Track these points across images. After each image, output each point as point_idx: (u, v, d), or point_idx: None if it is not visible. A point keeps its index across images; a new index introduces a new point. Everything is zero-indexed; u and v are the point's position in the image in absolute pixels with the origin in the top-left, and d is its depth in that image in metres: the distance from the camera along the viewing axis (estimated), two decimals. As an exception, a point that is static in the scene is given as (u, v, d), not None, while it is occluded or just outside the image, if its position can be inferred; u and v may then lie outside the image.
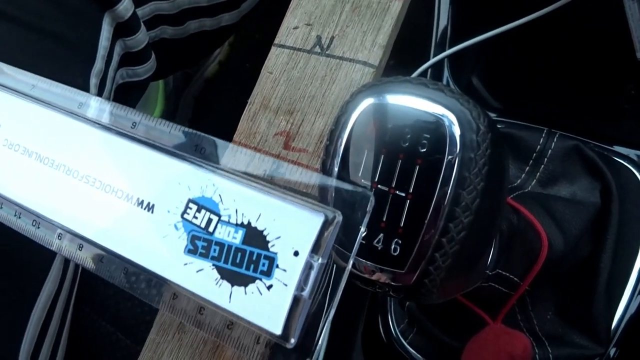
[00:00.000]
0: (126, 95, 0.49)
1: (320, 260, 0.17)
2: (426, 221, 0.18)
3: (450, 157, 0.18)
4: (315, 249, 0.17)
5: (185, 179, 0.20)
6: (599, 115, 0.53)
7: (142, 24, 0.46)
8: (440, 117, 0.18)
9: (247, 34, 0.92)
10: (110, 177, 0.21)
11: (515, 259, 0.31)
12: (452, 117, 0.18)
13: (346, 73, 0.26)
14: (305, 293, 0.17)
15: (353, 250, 0.18)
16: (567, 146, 0.38)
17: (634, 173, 0.40)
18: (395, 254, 0.18)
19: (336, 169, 0.19)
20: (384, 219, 0.18)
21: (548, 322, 0.36)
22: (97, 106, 0.23)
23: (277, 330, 0.17)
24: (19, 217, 0.23)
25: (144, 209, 0.20)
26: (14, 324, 0.35)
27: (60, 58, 0.39)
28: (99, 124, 0.23)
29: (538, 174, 0.38)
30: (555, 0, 0.46)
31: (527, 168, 0.38)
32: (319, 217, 0.17)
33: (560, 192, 0.37)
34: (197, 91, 1.03)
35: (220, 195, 0.19)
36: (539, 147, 0.38)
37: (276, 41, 0.28)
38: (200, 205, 0.19)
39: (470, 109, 0.18)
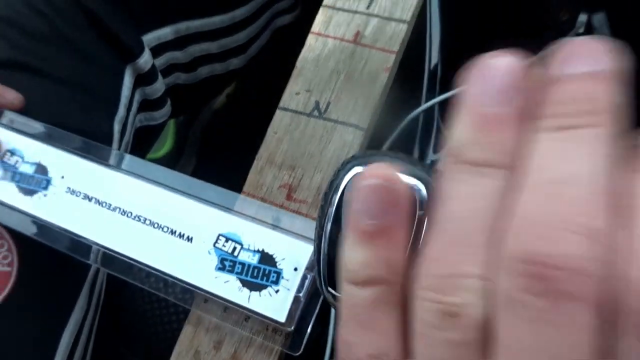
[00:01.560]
0: (144, 137, 0.54)
1: (311, 274, 0.26)
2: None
3: (420, 214, 0.22)
4: (309, 266, 0.26)
5: (217, 220, 0.28)
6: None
7: (159, 74, 0.51)
8: (413, 184, 0.22)
9: (254, 69, 0.97)
10: (158, 217, 0.29)
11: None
12: (421, 185, 0.22)
13: (340, 135, 0.30)
14: (302, 295, 0.26)
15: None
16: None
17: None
18: None
19: (329, 226, 0.24)
20: None
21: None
22: (143, 164, 0.30)
23: (282, 319, 0.26)
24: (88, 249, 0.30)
25: (185, 240, 0.28)
26: (44, 348, 0.39)
27: (88, 107, 0.43)
28: (144, 177, 0.30)
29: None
30: (542, 46, 0.51)
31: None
32: (310, 247, 0.26)
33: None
34: (206, 122, 1.08)
35: (242, 232, 0.28)
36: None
37: (280, 105, 0.32)
38: (228, 237, 0.28)
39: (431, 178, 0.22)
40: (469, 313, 0.13)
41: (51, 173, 0.31)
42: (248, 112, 1.11)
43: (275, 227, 0.27)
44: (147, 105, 0.52)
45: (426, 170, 0.22)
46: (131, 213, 0.29)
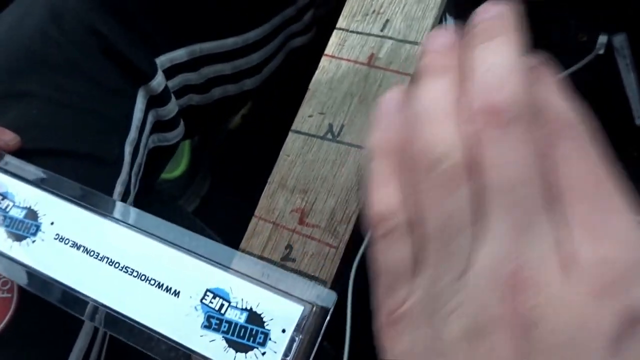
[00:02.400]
0: (157, 158, 0.54)
1: (299, 337, 0.25)
2: None
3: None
4: (297, 328, 0.25)
5: (205, 275, 0.27)
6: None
7: (172, 95, 0.51)
8: None
9: (268, 90, 0.98)
10: (146, 269, 0.28)
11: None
12: None
13: (354, 158, 0.30)
14: (289, 359, 0.25)
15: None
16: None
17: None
18: None
19: None
20: None
21: None
22: (134, 213, 0.29)
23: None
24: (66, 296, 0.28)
25: (172, 294, 0.27)
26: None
27: (99, 132, 0.43)
28: (136, 227, 0.28)
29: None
30: (560, 68, 0.50)
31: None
32: (299, 308, 0.25)
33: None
34: (221, 143, 1.08)
35: (230, 288, 0.26)
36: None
37: (293, 127, 0.32)
38: (215, 293, 0.26)
39: None
40: (452, 154, 0.20)
41: (41, 219, 0.30)
42: (263, 132, 1.11)
43: (265, 284, 0.26)
44: (161, 126, 0.52)
45: None
46: (119, 263, 0.28)
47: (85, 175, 0.42)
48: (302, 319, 0.25)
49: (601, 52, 0.51)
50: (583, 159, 0.19)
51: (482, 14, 0.22)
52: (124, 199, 0.46)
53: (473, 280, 0.19)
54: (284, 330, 0.25)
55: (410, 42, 0.31)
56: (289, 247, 0.30)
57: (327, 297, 0.25)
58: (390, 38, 0.31)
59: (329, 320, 0.25)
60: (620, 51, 0.50)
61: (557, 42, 0.56)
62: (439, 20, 0.55)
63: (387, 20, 0.32)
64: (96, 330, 0.41)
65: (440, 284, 0.19)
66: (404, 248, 0.21)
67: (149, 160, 0.52)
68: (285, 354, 0.25)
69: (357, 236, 0.29)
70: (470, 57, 0.21)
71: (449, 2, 0.54)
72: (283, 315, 0.25)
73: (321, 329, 0.25)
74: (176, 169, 1.01)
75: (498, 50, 0.20)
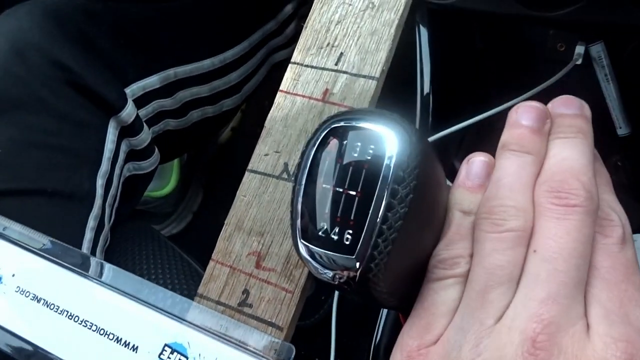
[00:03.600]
0: (134, 186, 0.53)
1: None
2: (370, 212, 0.22)
3: (387, 161, 0.21)
4: None
5: (164, 329, 0.26)
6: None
7: (144, 124, 0.50)
8: (381, 133, 0.22)
9: (258, 101, 0.97)
10: (105, 323, 0.27)
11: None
12: (390, 132, 0.21)
13: (309, 199, 0.29)
14: None
15: None
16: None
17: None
18: (347, 242, 0.23)
19: (304, 179, 0.24)
20: (339, 214, 0.23)
21: None
22: (94, 264, 0.28)
23: None
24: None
25: (130, 349, 0.27)
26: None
27: (68, 168, 0.43)
28: (97, 279, 0.28)
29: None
30: (534, 85, 0.49)
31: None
32: None
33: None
34: (212, 157, 1.08)
35: (188, 342, 0.26)
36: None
37: (249, 167, 0.31)
38: (173, 349, 0.26)
39: (404, 125, 0.23)
40: (519, 218, 0.23)
41: (2, 270, 0.30)
42: (254, 144, 1.11)
43: (223, 337, 0.25)
44: (134, 155, 0.51)
45: (395, 118, 0.23)
46: (78, 317, 0.28)
47: (54, 213, 0.42)
48: None
49: (579, 62, 0.50)
50: (618, 253, 0.23)
51: (565, 107, 0.26)
52: (97, 232, 0.45)
53: (501, 329, 0.22)
54: None
55: (364, 77, 0.30)
56: (246, 291, 0.29)
57: (286, 352, 0.25)
58: (345, 72, 0.30)
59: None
60: (598, 61, 0.49)
61: (535, 53, 0.55)
62: (412, 27, 0.54)
63: (342, 54, 0.31)
64: None
65: (472, 326, 0.22)
66: (455, 294, 0.24)
67: (126, 189, 0.52)
68: None
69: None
70: (553, 145, 0.25)
71: (421, 12, 0.53)
72: (241, 371, 0.25)
73: None
74: (166, 186, 1.00)
75: (576, 147, 0.24)
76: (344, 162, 0.24)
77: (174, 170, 0.99)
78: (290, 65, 0.32)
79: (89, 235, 0.44)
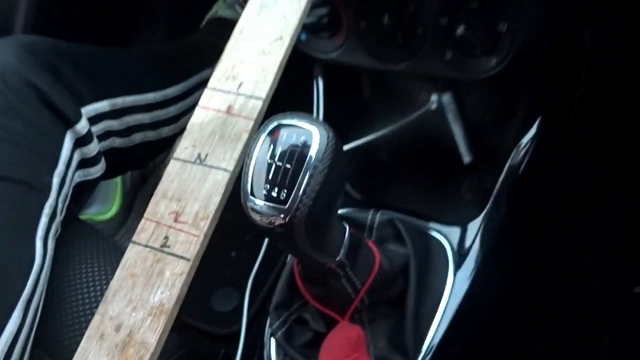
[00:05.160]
0: (82, 190, 0.65)
1: None
2: (298, 179, 0.34)
3: (313, 146, 0.35)
4: None
5: None
6: (441, 201, 0.71)
7: (94, 137, 0.63)
8: (310, 129, 0.35)
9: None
10: None
11: (360, 267, 0.45)
12: (316, 129, 0.35)
13: (214, 176, 0.43)
14: None
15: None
16: (384, 220, 0.54)
17: (442, 244, 0.56)
18: (282, 198, 0.34)
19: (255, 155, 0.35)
20: (278, 179, 0.35)
21: (380, 349, 0.51)
22: None
23: None
24: None
25: None
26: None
27: (31, 163, 0.54)
28: None
29: (372, 237, 0.54)
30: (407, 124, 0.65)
31: (365, 234, 0.54)
32: None
33: (389, 246, 0.53)
34: (155, 180, 1.18)
35: None
36: (367, 222, 0.55)
37: (175, 156, 0.45)
38: None
39: (326, 127, 0.35)
40: None
41: None
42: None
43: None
44: (84, 163, 0.63)
45: (321, 122, 0.36)
46: None
47: (17, 197, 0.53)
48: None
49: (433, 107, 0.67)
50: None
51: None
52: (50, 219, 0.57)
53: None
54: None
55: (255, 98, 0.45)
56: (167, 237, 0.42)
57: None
58: (243, 95, 0.45)
59: None
60: (448, 106, 0.66)
61: (410, 101, 0.72)
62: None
63: (241, 83, 0.46)
64: (24, 318, 0.50)
65: None
66: None
67: (75, 192, 0.63)
68: None
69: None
70: None
71: (319, 66, 0.69)
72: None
73: None
74: (109, 211, 1.10)
75: None
76: (284, 145, 0.35)
77: (117, 196, 1.09)
78: (206, 89, 0.46)
79: (44, 219, 0.55)
